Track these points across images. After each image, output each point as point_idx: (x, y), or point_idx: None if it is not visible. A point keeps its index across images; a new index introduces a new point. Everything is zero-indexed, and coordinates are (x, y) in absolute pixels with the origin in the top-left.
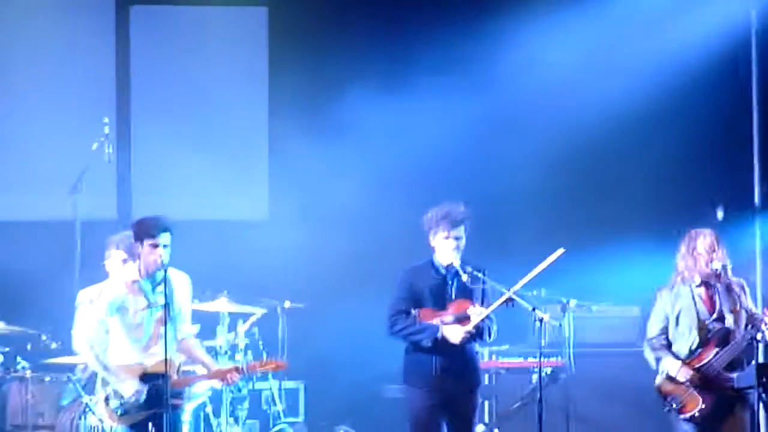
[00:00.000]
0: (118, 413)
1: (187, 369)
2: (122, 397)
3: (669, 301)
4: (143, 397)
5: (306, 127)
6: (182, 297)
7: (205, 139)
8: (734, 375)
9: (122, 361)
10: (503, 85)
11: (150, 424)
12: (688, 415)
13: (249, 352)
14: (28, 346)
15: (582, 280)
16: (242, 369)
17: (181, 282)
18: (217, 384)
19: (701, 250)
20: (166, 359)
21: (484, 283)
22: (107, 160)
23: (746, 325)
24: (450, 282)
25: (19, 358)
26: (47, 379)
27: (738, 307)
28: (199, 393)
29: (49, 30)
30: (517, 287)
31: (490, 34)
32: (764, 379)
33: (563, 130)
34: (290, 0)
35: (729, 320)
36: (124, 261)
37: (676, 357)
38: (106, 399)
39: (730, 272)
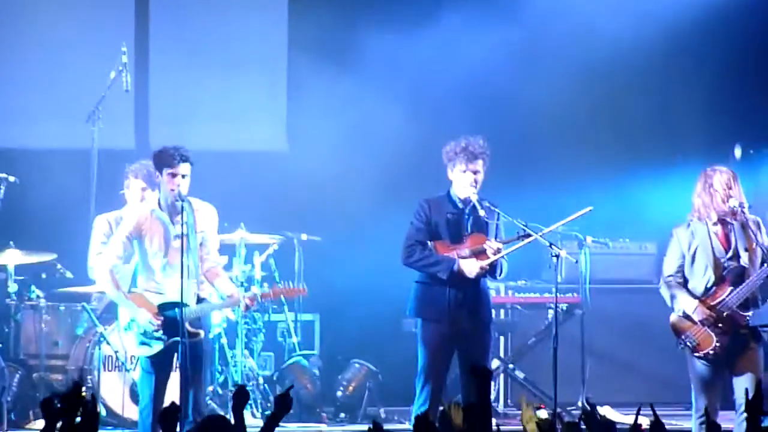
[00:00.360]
0: (137, 343)
1: (205, 298)
2: (140, 326)
3: (685, 238)
4: (159, 325)
5: (326, 57)
6: (208, 227)
7: (224, 68)
8: (749, 313)
9: (139, 290)
10: (528, 22)
11: (175, 354)
12: (702, 353)
13: (265, 284)
14: (43, 275)
15: (599, 215)
16: (261, 295)
17: (206, 212)
18: (231, 315)
19: (717, 188)
20: (182, 289)
21: (499, 217)
22: (125, 89)
23: (762, 263)
24: (467, 215)
25: (33, 287)
26: (62, 308)
27: (754, 245)
28: (215, 324)
29: None
30: (541, 233)
31: None
32: None
33: (584, 67)
34: None
35: (744, 258)
36: (143, 190)
37: (692, 295)
38: (126, 328)
39: (747, 210)
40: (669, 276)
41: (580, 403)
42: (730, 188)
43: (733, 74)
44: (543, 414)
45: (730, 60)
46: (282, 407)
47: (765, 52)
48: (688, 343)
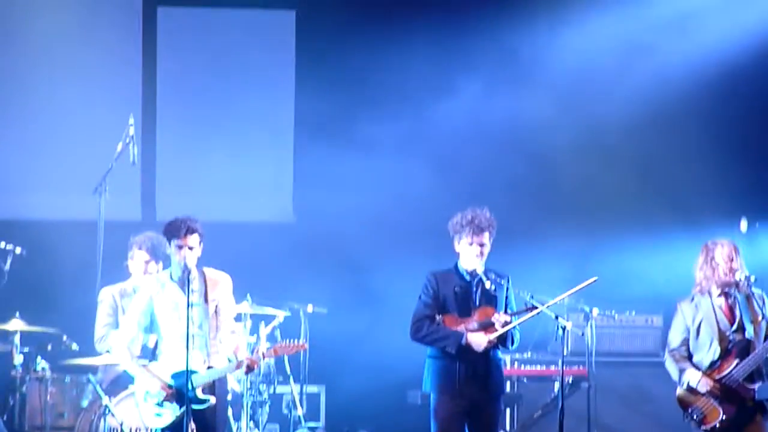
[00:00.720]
0: (153, 413)
1: (212, 366)
2: (153, 395)
3: (690, 312)
4: (169, 395)
5: (331, 132)
6: (221, 296)
7: (231, 141)
8: (755, 386)
9: (157, 361)
10: (542, 83)
11: (192, 424)
12: (708, 426)
13: (267, 343)
14: (49, 347)
15: (605, 288)
16: (263, 354)
17: (220, 281)
18: (236, 386)
19: (719, 260)
20: (187, 356)
21: (507, 290)
22: (132, 161)
23: (767, 336)
24: (474, 288)
25: (39, 359)
26: (67, 380)
27: (759, 318)
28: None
29: (76, 29)
30: (547, 305)
31: (516, 35)
32: None
33: (594, 127)
34: (318, 4)
35: (749, 331)
36: (146, 262)
37: (697, 368)
38: (144, 400)
39: (753, 283)
40: (674, 349)
41: None
42: (731, 260)
43: (742, 144)
44: None
45: (739, 129)
46: None
47: None
48: (695, 416)
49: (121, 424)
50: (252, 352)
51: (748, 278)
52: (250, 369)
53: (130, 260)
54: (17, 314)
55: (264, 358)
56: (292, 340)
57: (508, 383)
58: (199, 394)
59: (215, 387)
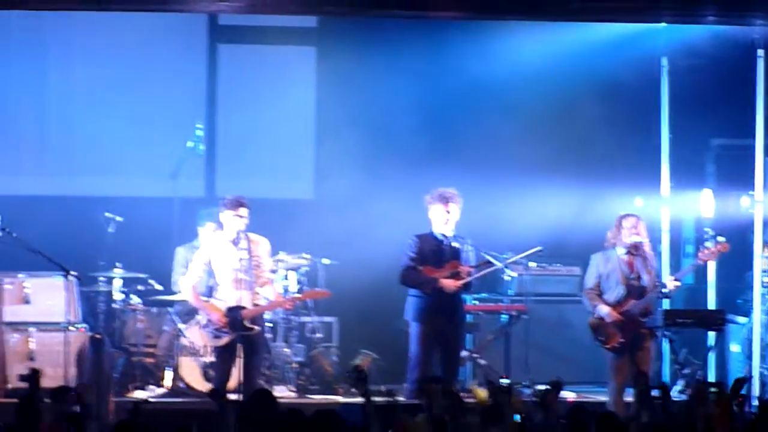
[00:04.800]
0: (211, 336)
1: (257, 302)
2: (212, 324)
3: (602, 262)
4: (225, 324)
5: (350, 164)
6: (262, 253)
7: (270, 140)
8: (646, 319)
9: (212, 299)
10: (500, 76)
11: (238, 345)
12: (610, 345)
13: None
14: (140, 287)
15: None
16: (296, 297)
17: (260, 243)
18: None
19: (625, 228)
20: (241, 297)
21: (469, 249)
22: (199, 154)
23: (654, 286)
24: (445, 247)
25: (133, 296)
26: (153, 311)
27: (651, 271)
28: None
29: (158, 59)
30: (503, 263)
31: (499, 54)
32: (667, 322)
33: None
34: (336, 41)
35: (645, 279)
36: (214, 230)
37: (606, 304)
38: (204, 326)
39: (648, 246)
40: (589, 289)
41: (525, 383)
42: (633, 228)
43: (635, 142)
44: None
45: (632, 134)
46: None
47: (656, 130)
48: (601, 338)
49: (192, 343)
50: (285, 293)
51: (641, 243)
52: (287, 309)
53: (200, 227)
54: (118, 264)
55: (297, 300)
56: (316, 289)
57: (469, 316)
58: (246, 324)
59: (257, 319)
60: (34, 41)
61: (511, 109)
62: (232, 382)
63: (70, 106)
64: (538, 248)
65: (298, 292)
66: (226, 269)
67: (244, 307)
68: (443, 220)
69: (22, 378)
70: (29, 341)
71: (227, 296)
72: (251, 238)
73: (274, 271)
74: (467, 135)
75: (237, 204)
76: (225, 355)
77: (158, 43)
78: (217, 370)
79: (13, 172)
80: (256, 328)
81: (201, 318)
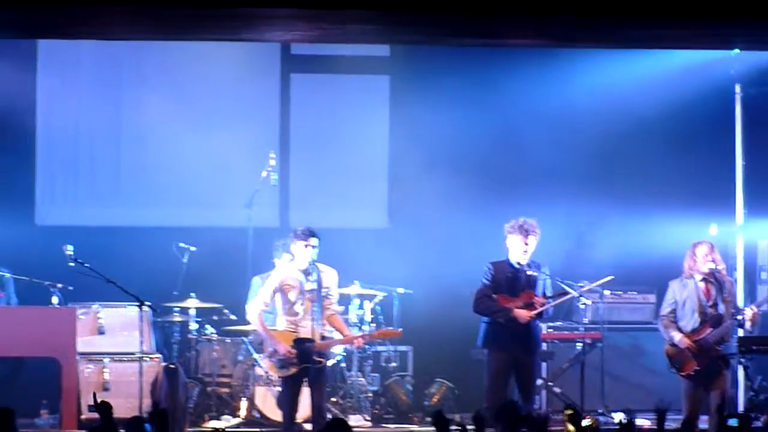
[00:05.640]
0: (278, 366)
1: (327, 336)
2: (279, 354)
3: (678, 289)
4: (294, 356)
5: (424, 192)
6: (331, 284)
7: (344, 169)
8: (722, 347)
9: (280, 329)
10: (558, 110)
11: (303, 376)
12: (685, 373)
13: (372, 324)
14: (215, 317)
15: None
16: (367, 336)
17: (329, 274)
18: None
19: (699, 256)
20: (311, 329)
21: (545, 278)
22: (272, 184)
23: (732, 314)
24: (520, 276)
25: (208, 326)
26: (228, 341)
27: (728, 298)
28: (336, 354)
29: (231, 89)
30: (578, 292)
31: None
32: (742, 349)
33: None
34: (410, 70)
35: (721, 308)
36: (290, 261)
37: (681, 331)
38: (269, 355)
39: (724, 273)
40: (664, 316)
41: (600, 410)
42: (706, 256)
43: (709, 168)
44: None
45: (703, 161)
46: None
47: (730, 156)
48: (676, 365)
49: (267, 373)
50: (360, 323)
51: (717, 269)
52: (358, 346)
53: (277, 258)
54: (193, 294)
55: (368, 338)
56: (389, 328)
57: (544, 344)
58: (315, 357)
59: (325, 352)
60: (107, 71)
61: (583, 137)
62: (303, 412)
63: (144, 136)
64: (610, 277)
65: (373, 322)
66: (296, 299)
67: (312, 340)
68: (521, 250)
69: (91, 408)
70: (104, 372)
71: (296, 327)
72: (321, 269)
73: (341, 303)
74: (541, 163)
75: (308, 234)
76: (292, 384)
77: (232, 73)
78: (285, 401)
79: (88, 203)
80: (324, 360)
81: (266, 346)
